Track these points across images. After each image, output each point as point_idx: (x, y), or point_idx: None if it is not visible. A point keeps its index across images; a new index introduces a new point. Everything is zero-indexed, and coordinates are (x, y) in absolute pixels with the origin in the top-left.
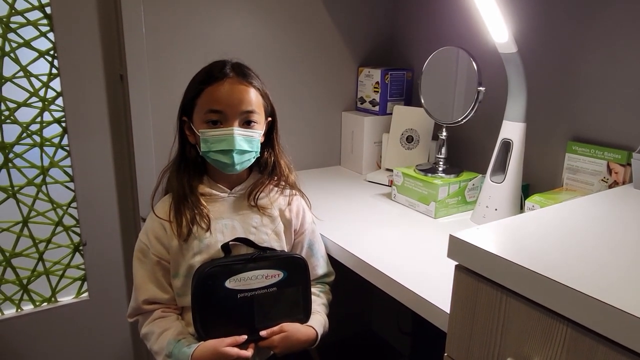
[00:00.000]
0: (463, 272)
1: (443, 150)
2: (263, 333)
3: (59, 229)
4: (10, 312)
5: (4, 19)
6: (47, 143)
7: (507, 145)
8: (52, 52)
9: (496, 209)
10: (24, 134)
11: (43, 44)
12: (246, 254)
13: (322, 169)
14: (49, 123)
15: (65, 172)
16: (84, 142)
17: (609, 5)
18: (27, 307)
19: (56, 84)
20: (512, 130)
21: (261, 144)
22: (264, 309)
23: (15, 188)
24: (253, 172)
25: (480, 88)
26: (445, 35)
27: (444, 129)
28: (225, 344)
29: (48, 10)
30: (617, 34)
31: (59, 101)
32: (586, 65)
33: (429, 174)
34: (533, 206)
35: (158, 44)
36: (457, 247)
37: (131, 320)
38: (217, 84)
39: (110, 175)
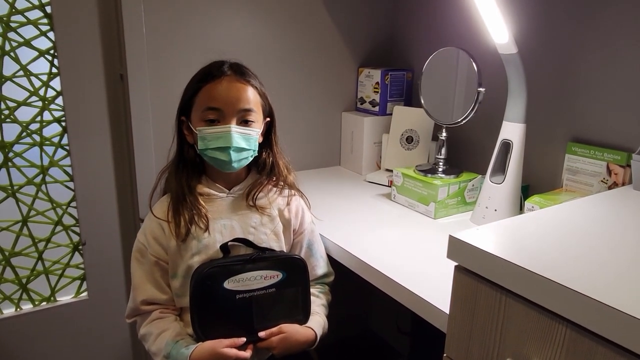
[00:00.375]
0: (462, 273)
1: (443, 150)
2: (262, 334)
3: (59, 228)
4: (9, 311)
5: (4, 18)
6: (47, 142)
7: (506, 146)
8: (52, 52)
9: (496, 210)
10: (24, 133)
11: (43, 43)
12: (245, 255)
13: (322, 169)
14: (49, 122)
15: (65, 172)
16: (84, 141)
17: (609, 5)
18: (26, 307)
19: (56, 83)
20: (512, 131)
21: (260, 144)
22: (263, 309)
23: (15, 187)
24: (251, 172)
25: (480, 89)
26: (446, 35)
27: (443, 130)
28: (223, 345)
29: (48, 9)
30: (617, 35)
31: (59, 100)
32: (586, 66)
33: (429, 175)
34: (533, 207)
35: (158, 44)
36: (456, 247)
37: (129, 320)
38: (215, 82)
39: (110, 174)
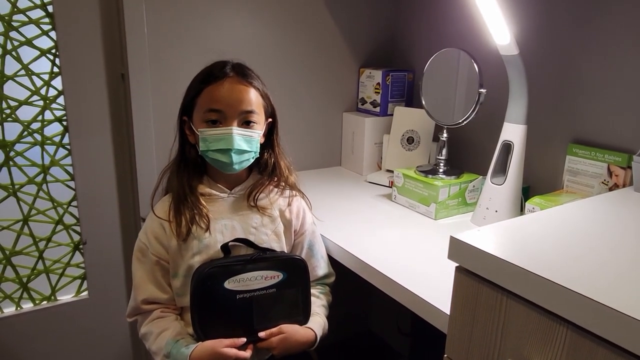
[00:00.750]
0: (463, 274)
1: (444, 151)
2: (262, 334)
3: (59, 227)
4: (10, 310)
5: (6, 17)
6: (48, 141)
7: (507, 147)
8: (53, 51)
9: (496, 211)
10: (25, 132)
11: (45, 43)
12: (246, 255)
13: (323, 170)
14: (50, 122)
15: (66, 171)
16: (85, 140)
17: (610, 7)
18: (27, 306)
19: (57, 82)
20: (513, 132)
21: (261, 144)
22: (263, 310)
23: (16, 186)
24: (253, 172)
25: (481, 90)
26: (447, 36)
27: (444, 131)
28: (223, 345)
29: (50, 8)
30: (619, 37)
31: (60, 100)
32: (587, 68)
33: (430, 175)
34: (533, 208)
35: (159, 44)
36: (457, 248)
37: (130, 319)
38: (217, 84)
39: (110, 174)
